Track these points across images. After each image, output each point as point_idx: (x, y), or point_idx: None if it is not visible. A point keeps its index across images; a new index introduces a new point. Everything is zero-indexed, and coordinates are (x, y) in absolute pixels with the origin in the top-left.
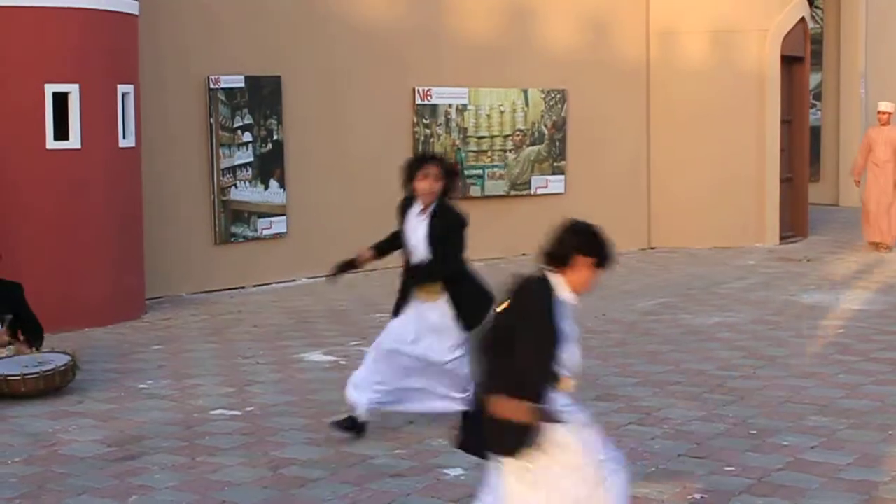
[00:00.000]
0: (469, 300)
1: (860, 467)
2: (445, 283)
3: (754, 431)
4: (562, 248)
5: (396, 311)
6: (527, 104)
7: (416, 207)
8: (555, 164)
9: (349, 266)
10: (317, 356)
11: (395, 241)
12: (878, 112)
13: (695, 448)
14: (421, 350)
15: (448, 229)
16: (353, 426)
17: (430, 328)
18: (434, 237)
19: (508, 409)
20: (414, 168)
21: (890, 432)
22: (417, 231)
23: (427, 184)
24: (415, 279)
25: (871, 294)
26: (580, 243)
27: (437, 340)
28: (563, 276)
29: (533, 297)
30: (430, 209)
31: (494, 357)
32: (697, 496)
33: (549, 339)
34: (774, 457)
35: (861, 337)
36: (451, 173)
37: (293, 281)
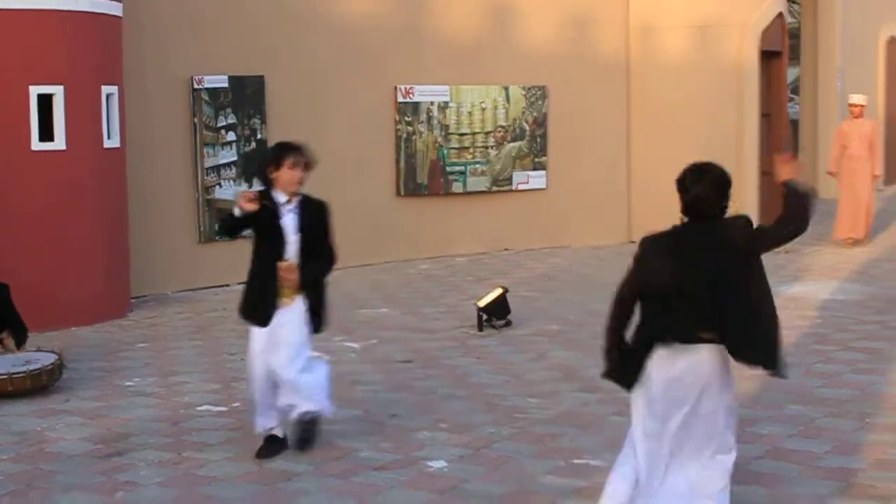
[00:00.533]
0: (323, 300)
1: (838, 455)
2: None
3: None
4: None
5: (265, 319)
6: (508, 101)
7: (279, 199)
8: (536, 159)
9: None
10: None
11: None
12: (851, 105)
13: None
14: (271, 363)
15: (324, 221)
16: (275, 445)
17: (280, 336)
18: (308, 231)
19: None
20: (281, 157)
21: (867, 420)
22: (287, 225)
23: (298, 173)
24: (304, 278)
25: (849, 284)
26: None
27: (283, 351)
28: None
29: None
30: (297, 200)
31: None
32: None
33: None
34: (754, 445)
35: (839, 327)
36: (310, 164)
37: None
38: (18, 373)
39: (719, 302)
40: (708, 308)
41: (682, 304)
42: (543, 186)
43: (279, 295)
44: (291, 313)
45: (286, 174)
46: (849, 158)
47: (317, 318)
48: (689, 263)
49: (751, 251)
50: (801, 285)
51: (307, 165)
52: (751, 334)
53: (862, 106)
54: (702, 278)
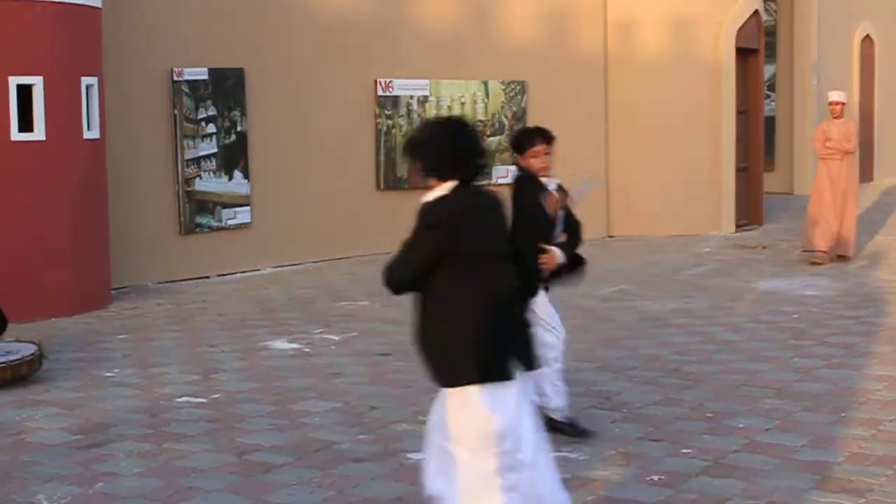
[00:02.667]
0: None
1: (814, 448)
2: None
3: (710, 414)
4: None
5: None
6: (487, 95)
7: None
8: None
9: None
10: (281, 344)
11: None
12: (830, 103)
13: (652, 431)
14: None
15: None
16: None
17: None
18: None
19: None
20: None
21: (842, 414)
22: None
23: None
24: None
25: (825, 280)
26: None
27: None
28: None
29: None
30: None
31: None
32: (655, 478)
33: None
34: (730, 439)
35: (815, 322)
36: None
37: (257, 270)
38: None
39: None
40: None
41: None
42: None
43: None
44: None
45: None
46: (827, 159)
47: None
48: None
49: None
50: (778, 280)
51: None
52: None
53: (842, 104)
54: None
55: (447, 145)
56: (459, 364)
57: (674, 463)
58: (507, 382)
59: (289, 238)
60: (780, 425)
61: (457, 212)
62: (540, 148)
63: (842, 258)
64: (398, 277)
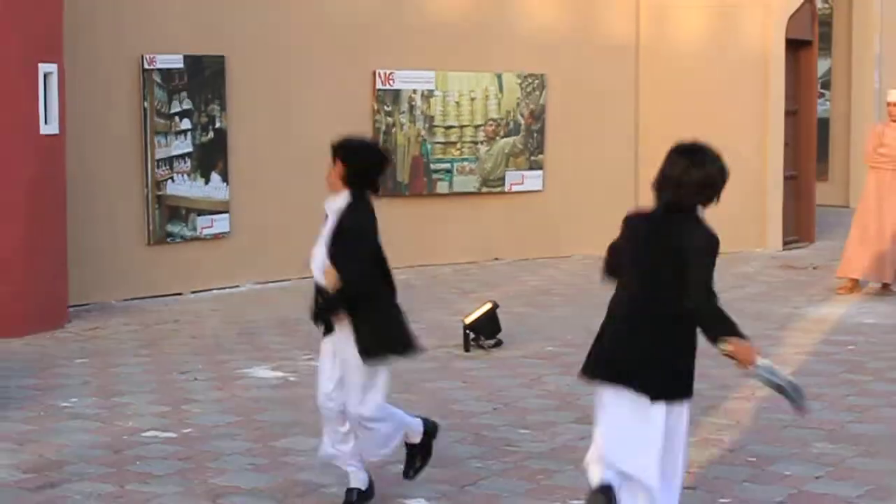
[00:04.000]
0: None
1: (872, 500)
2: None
3: (753, 459)
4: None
5: None
6: (501, 90)
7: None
8: (532, 157)
9: None
10: (263, 372)
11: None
12: (889, 104)
13: (685, 477)
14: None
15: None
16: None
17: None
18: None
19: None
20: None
21: None
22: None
23: None
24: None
25: (885, 306)
26: None
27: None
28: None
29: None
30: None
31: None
32: None
33: None
34: (775, 488)
35: (874, 354)
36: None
37: (237, 287)
38: None
39: None
40: None
41: None
42: (540, 188)
43: None
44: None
45: None
46: (879, 168)
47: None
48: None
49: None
50: (830, 306)
51: None
52: None
53: None
54: None
55: None
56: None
57: None
58: None
59: (272, 250)
60: (833, 473)
61: None
62: None
63: (886, 287)
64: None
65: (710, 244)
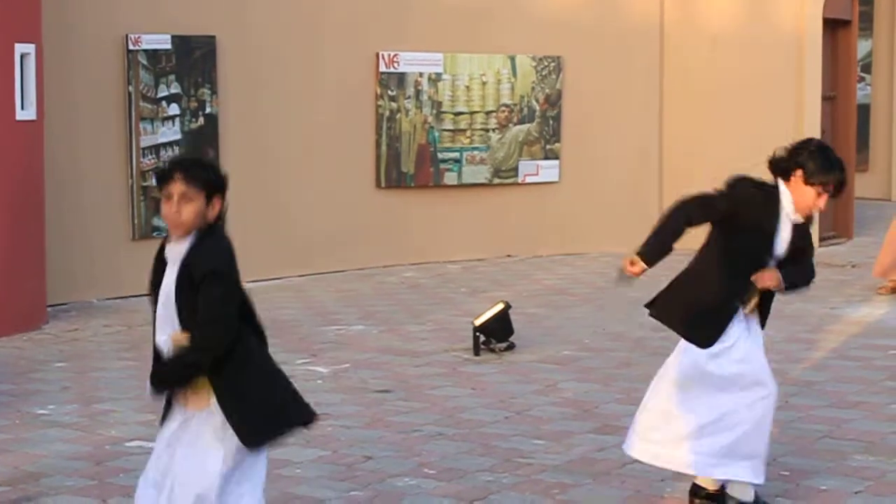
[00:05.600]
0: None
1: None
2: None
3: (787, 472)
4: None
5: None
6: (514, 74)
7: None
8: (547, 146)
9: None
10: None
11: None
12: None
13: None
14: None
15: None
16: None
17: None
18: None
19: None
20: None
21: None
22: None
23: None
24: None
25: None
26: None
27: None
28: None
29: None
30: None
31: None
32: None
33: None
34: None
35: None
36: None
37: None
38: None
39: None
40: None
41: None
42: (556, 179)
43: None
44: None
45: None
46: None
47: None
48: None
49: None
50: (870, 307)
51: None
52: None
53: None
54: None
55: None
56: None
57: None
58: None
59: (267, 247)
60: (873, 488)
61: None
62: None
63: None
64: None
65: None
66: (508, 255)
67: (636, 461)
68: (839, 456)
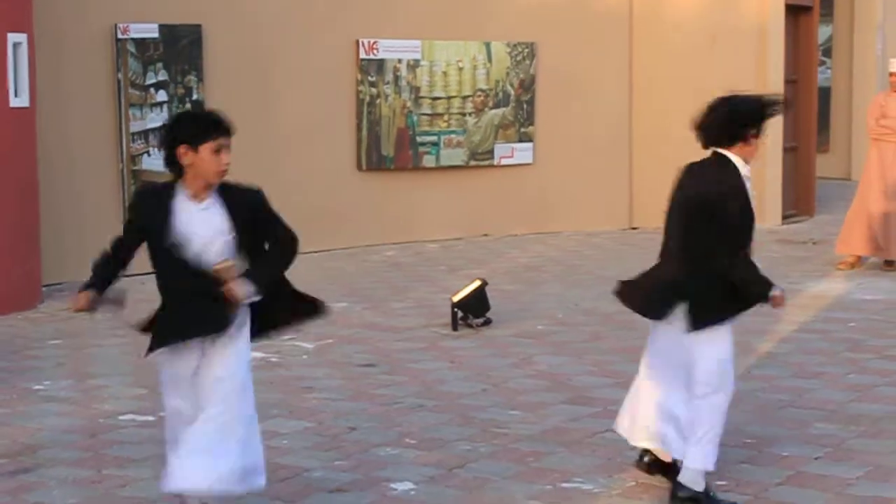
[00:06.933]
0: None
1: (872, 481)
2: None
3: (750, 441)
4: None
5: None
6: (490, 60)
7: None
8: (522, 129)
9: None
10: None
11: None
12: (892, 75)
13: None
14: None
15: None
16: None
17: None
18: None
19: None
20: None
21: None
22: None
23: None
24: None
25: (886, 283)
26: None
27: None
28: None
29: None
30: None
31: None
32: None
33: None
34: (773, 469)
35: (875, 331)
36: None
37: None
38: None
39: None
40: None
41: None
42: (530, 161)
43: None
44: None
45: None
46: (879, 144)
47: None
48: None
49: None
50: (830, 282)
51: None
52: None
53: None
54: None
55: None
56: None
57: None
58: None
59: None
60: (833, 454)
61: None
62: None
63: (889, 265)
64: None
65: None
66: (485, 235)
67: (608, 430)
68: (801, 424)
